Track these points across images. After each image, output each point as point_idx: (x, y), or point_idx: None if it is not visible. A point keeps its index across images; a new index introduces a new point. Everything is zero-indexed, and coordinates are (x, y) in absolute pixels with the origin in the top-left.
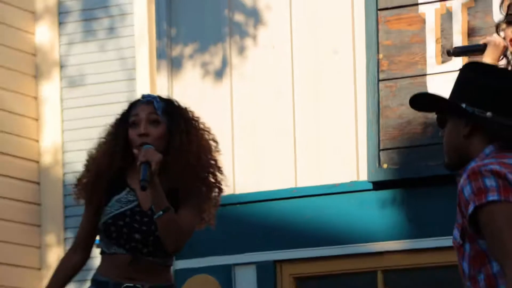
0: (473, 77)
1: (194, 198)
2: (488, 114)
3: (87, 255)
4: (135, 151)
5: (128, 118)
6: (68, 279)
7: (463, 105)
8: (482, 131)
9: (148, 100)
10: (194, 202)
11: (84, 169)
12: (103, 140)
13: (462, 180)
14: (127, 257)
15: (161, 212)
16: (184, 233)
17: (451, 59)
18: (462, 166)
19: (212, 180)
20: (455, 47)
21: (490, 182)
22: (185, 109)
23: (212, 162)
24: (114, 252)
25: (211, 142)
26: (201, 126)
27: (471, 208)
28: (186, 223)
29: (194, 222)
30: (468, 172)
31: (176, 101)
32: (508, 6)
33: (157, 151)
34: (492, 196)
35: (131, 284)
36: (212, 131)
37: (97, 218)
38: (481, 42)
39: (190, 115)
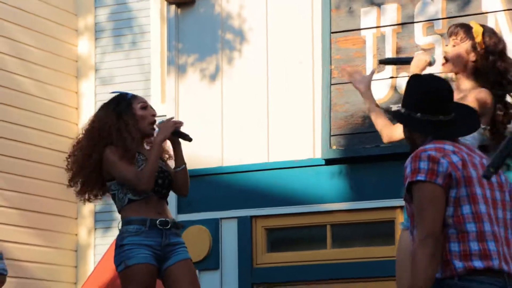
0: (409, 85)
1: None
2: (418, 114)
3: None
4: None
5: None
6: None
7: (402, 110)
8: None
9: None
10: None
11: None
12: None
13: (408, 159)
14: (155, 198)
15: (184, 165)
16: None
17: (384, 69)
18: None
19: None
20: (385, 58)
21: (423, 165)
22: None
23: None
24: (145, 197)
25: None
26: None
27: (406, 182)
28: None
29: None
30: (412, 154)
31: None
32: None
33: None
34: (420, 177)
35: (163, 218)
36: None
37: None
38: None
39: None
